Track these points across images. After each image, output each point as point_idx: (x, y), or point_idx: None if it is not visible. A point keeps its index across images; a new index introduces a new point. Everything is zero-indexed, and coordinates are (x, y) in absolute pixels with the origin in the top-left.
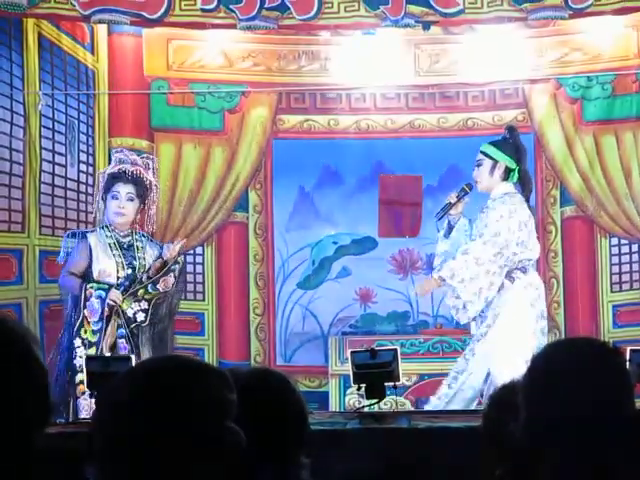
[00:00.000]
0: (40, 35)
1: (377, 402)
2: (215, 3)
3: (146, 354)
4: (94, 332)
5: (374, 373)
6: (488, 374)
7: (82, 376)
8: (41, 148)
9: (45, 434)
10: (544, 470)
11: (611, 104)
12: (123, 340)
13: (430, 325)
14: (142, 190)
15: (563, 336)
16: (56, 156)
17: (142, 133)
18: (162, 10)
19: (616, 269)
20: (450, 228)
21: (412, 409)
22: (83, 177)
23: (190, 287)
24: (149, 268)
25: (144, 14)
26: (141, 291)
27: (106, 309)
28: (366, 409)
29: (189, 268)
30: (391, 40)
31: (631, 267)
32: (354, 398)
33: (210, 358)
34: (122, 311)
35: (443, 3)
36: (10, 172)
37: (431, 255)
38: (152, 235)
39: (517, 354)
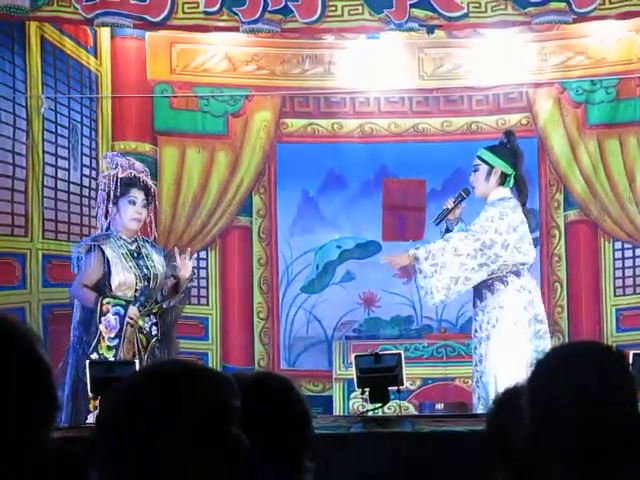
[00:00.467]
0: (43, 38)
1: (381, 406)
2: (218, 6)
3: None
4: (109, 348)
5: (378, 377)
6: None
7: None
8: (44, 152)
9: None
10: (547, 472)
11: (615, 108)
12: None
13: (434, 329)
14: (150, 197)
15: (567, 340)
16: (59, 160)
17: (145, 137)
18: (165, 13)
19: (620, 273)
20: (448, 232)
21: (416, 413)
22: (86, 181)
23: (194, 291)
24: (162, 287)
25: (147, 17)
26: (155, 308)
27: (126, 328)
28: (370, 413)
29: None
30: (395, 44)
31: (634, 271)
32: (358, 402)
33: (214, 362)
34: (141, 327)
35: (447, 7)
36: (13, 176)
37: None
38: (154, 240)
39: (509, 357)
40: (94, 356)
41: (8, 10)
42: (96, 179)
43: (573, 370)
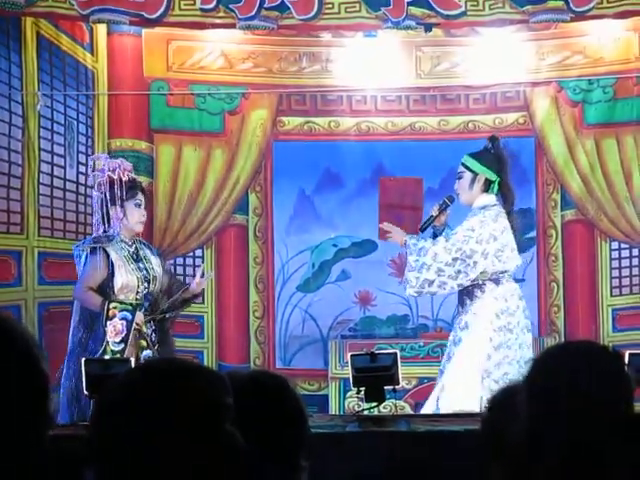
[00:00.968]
0: (39, 35)
1: (376, 405)
2: (214, 3)
3: None
4: (113, 352)
5: (374, 376)
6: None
7: None
8: (40, 149)
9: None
10: (542, 471)
11: (612, 107)
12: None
13: (430, 329)
14: (146, 199)
15: (563, 339)
16: (55, 157)
17: (142, 134)
18: (161, 10)
19: (616, 273)
20: (435, 237)
21: (412, 412)
22: (82, 178)
23: None
24: (169, 295)
25: (143, 14)
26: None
27: (134, 333)
28: (365, 412)
29: (189, 271)
30: (392, 42)
31: (631, 271)
32: (354, 401)
33: (209, 361)
34: (146, 333)
35: (445, 5)
36: (9, 173)
37: None
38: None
39: (469, 364)
40: None
41: (3, 5)
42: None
43: (570, 368)
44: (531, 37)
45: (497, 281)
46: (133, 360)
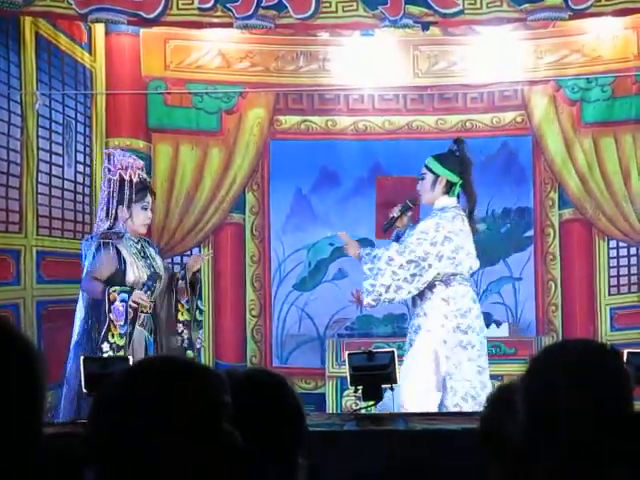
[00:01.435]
0: (37, 34)
1: (374, 404)
2: (212, 2)
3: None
4: (121, 335)
5: (371, 375)
6: None
7: None
8: (38, 148)
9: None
10: (541, 469)
11: (610, 106)
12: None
13: None
14: (154, 201)
15: (561, 338)
16: (53, 156)
17: (139, 133)
18: (159, 9)
19: (614, 272)
20: (398, 239)
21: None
22: (80, 177)
23: None
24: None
25: (141, 13)
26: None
27: (130, 311)
28: (363, 411)
29: None
30: (390, 41)
31: (629, 270)
32: (351, 400)
33: (206, 359)
34: (150, 314)
35: (442, 4)
36: (7, 172)
37: None
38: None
39: (416, 363)
40: (105, 345)
41: (1, 4)
42: (90, 176)
43: (568, 367)
44: (529, 35)
45: (447, 282)
46: (131, 359)
